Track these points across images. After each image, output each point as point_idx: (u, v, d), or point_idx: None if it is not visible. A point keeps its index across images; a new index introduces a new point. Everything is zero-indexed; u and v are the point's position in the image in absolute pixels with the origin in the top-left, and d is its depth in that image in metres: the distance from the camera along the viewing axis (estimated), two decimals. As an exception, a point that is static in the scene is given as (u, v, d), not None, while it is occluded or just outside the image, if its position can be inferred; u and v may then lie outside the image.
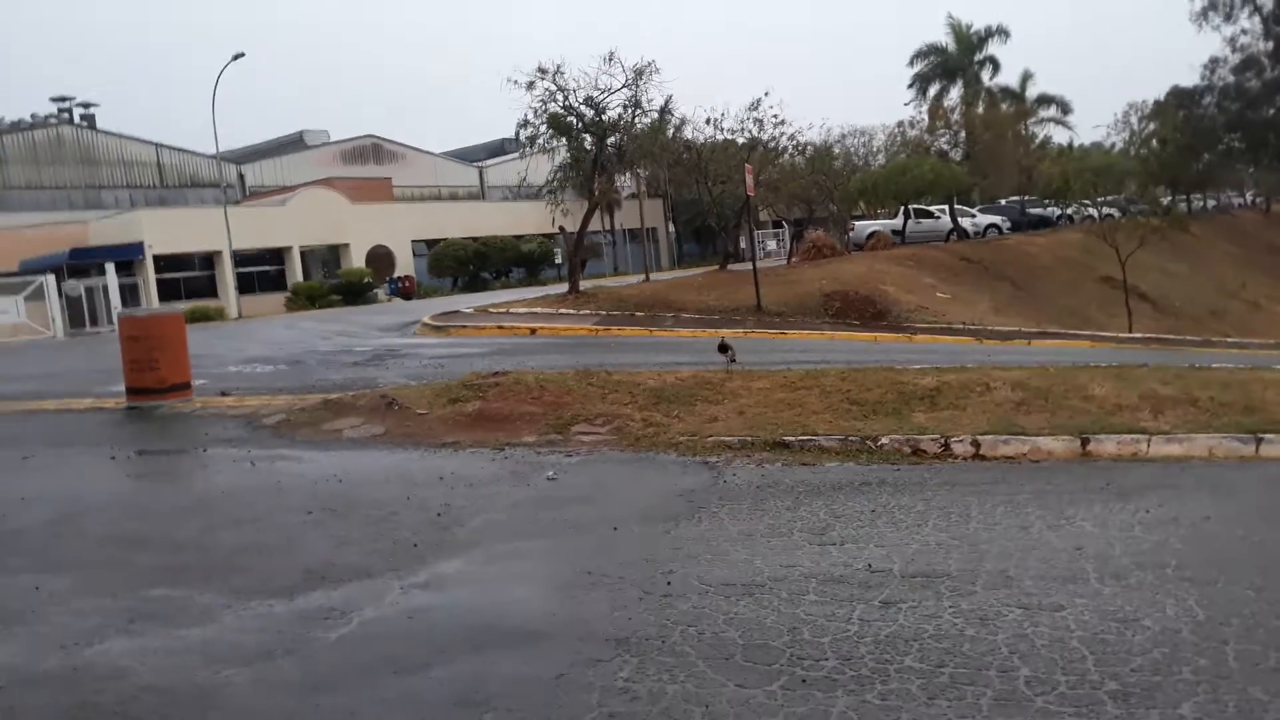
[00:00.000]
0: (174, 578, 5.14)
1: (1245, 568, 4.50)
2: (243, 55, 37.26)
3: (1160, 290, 32.52)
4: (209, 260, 40.33)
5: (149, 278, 37.87)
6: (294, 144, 58.17)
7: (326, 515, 6.20)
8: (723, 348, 10.74)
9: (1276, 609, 3.99)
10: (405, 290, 42.32)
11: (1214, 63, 49.08)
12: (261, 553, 5.54)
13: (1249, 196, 67.47)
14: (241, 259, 39.74)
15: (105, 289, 33.37)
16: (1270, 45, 47.83)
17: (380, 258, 44.93)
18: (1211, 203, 59.65)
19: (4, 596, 4.97)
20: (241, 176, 53.16)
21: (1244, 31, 48.13)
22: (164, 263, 38.65)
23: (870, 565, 4.75)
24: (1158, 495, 5.86)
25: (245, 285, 40.15)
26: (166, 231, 38.61)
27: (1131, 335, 23.51)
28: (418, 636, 4.18)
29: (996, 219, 41.39)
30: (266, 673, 3.87)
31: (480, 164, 61.52)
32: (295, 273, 42.35)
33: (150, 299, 36.92)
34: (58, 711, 3.62)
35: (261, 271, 42.09)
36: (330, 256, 44.87)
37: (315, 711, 3.52)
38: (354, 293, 39.62)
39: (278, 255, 42.72)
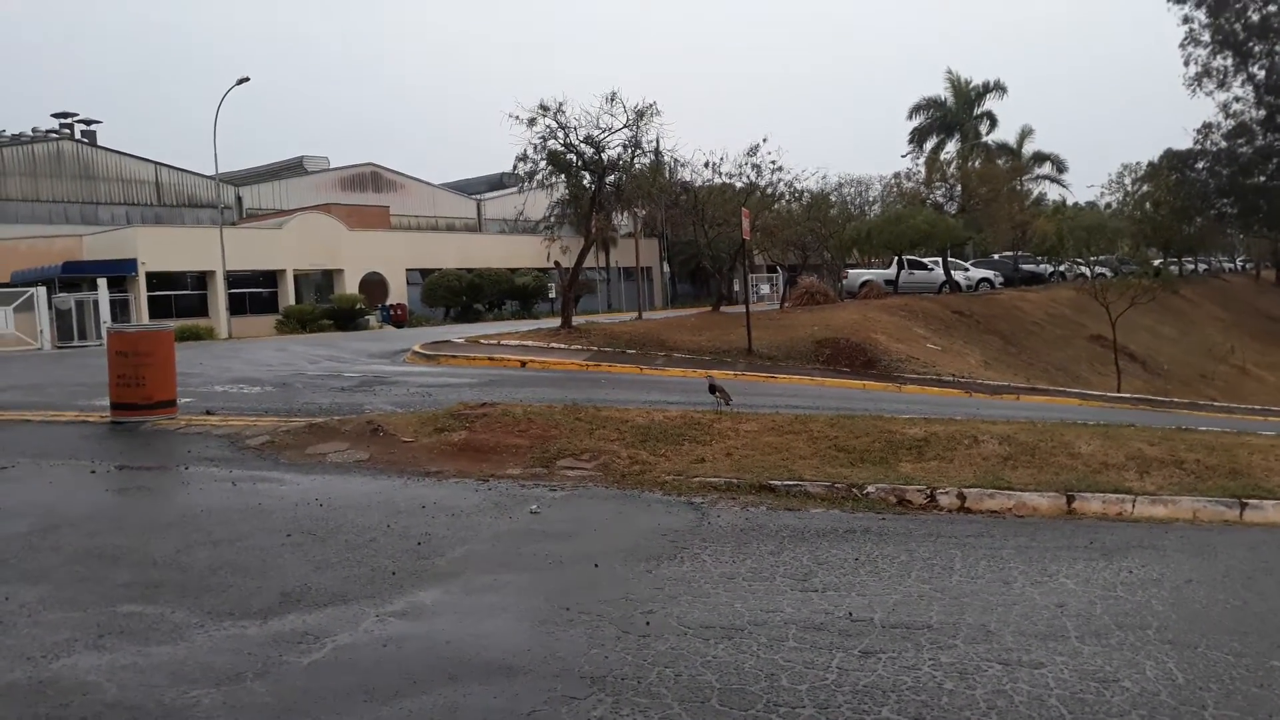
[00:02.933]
0: (147, 595, 5.08)
1: (1226, 632, 4.49)
2: (247, 80, 37.55)
3: (1149, 351, 32.73)
4: (202, 280, 40.32)
5: (141, 294, 37.79)
6: (293, 169, 58.45)
7: (306, 539, 6.14)
8: (712, 388, 10.73)
9: (1256, 675, 3.97)
10: (397, 318, 42.33)
11: (1207, 128, 49.83)
12: (238, 573, 5.47)
13: (1239, 261, 68.24)
14: (235, 280, 39.75)
15: (96, 304, 33.25)
16: (1263, 113, 48.58)
17: (374, 285, 44.98)
18: (1203, 266, 60.26)
19: (-27, 607, 4.89)
20: (239, 198, 53.30)
21: (1237, 99, 48.95)
22: (157, 280, 38.63)
23: (851, 614, 4.71)
24: (1141, 556, 5.85)
25: (237, 306, 40.14)
26: (161, 249, 38.64)
27: (1120, 394, 23.61)
28: (391, 665, 4.12)
29: (989, 273, 41.70)
30: (236, 695, 3.81)
31: (479, 196, 61.85)
32: (288, 296, 42.34)
33: (141, 315, 36.83)
34: (20, 727, 3.56)
35: (254, 293, 42.08)
36: (324, 281, 44.90)
37: (283, 738, 3.46)
38: (346, 318, 39.61)
39: (271, 278, 42.73)
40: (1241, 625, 4.61)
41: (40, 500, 7.43)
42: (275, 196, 53.95)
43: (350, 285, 43.87)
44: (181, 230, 44.15)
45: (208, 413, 11.49)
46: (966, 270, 41.73)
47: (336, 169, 57.84)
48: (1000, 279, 41.66)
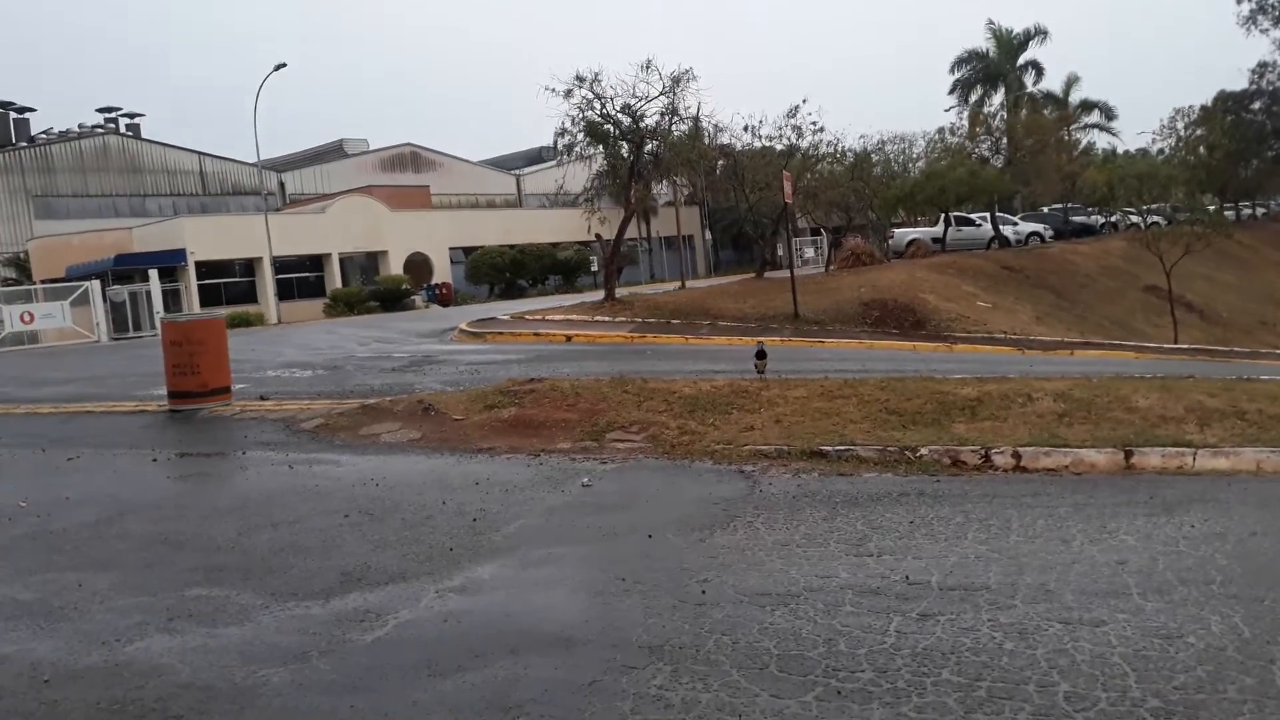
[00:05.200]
0: (213, 578, 5.20)
1: (1294, 584, 4.40)
2: (284, 66, 37.84)
3: (1207, 300, 31.98)
4: (249, 266, 40.91)
5: (191, 284, 38.47)
6: (334, 152, 58.96)
7: (364, 519, 6.25)
8: (761, 354, 10.68)
9: (1327, 627, 3.89)
10: (442, 297, 42.65)
11: (1262, 67, 48.32)
12: (299, 554, 5.58)
13: (1299, 205, 66.24)
14: (281, 265, 40.28)
15: (148, 294, 33.99)
16: (1321, 50, 46.95)
17: (418, 265, 45.32)
18: (1260, 210, 58.56)
19: (49, 593, 5.05)
20: (282, 184, 53.90)
21: (1293, 35, 47.30)
22: (206, 269, 39.26)
23: (908, 577, 4.69)
24: (1203, 510, 5.74)
25: (285, 291, 40.69)
26: (208, 238, 39.26)
27: (1177, 345, 23.12)
28: (452, 640, 4.19)
29: (1039, 227, 40.92)
30: (303, 673, 3.90)
31: (518, 172, 61.95)
32: (334, 279, 42.82)
33: (192, 304, 37.53)
34: (99, 706, 3.67)
35: (301, 278, 42.61)
36: (369, 263, 45.33)
37: (351, 712, 3.54)
38: (392, 299, 39.98)
39: (317, 262, 43.22)
40: (1310, 577, 4.51)
41: (106, 489, 7.62)
42: (317, 181, 54.49)
43: (395, 266, 44.25)
44: (228, 219, 44.80)
45: (262, 398, 11.69)
46: (1015, 224, 40.99)
47: (376, 150, 58.25)
48: (1050, 232, 40.88)
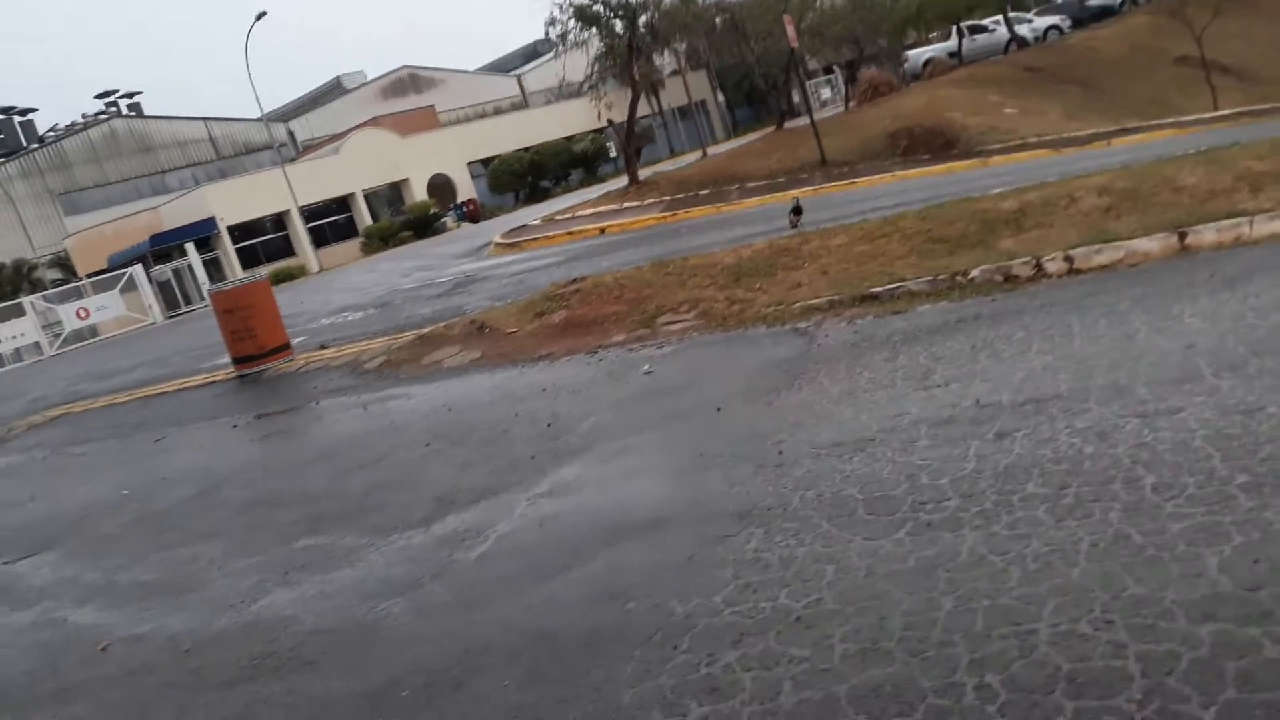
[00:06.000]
0: (316, 527, 5.43)
1: (1368, 335, 4.35)
2: (265, 14, 37.19)
3: (1243, 61, 30.57)
4: (280, 221, 41.13)
5: (228, 249, 38.88)
6: (333, 90, 58.32)
7: (444, 444, 6.44)
8: (797, 209, 10.56)
9: (1406, 371, 3.87)
10: (471, 214, 42.58)
11: None
12: (391, 490, 5.80)
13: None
14: (310, 214, 40.46)
15: (190, 269, 34.49)
16: None
17: (440, 186, 45.17)
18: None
19: (168, 570, 5.34)
20: (291, 133, 53.65)
21: None
22: (238, 232, 39.58)
23: (978, 401, 4.74)
24: (1268, 278, 5.65)
25: (319, 238, 40.96)
26: (234, 202, 39.44)
27: (1219, 114, 22.28)
28: (551, 543, 4.36)
29: (1055, 19, 39.11)
30: (420, 599, 4.11)
31: (518, 72, 60.76)
32: (363, 217, 42.93)
33: (233, 269, 37.99)
34: (239, 665, 3.92)
35: (331, 222, 42.80)
36: (393, 194, 45.29)
37: (472, 626, 3.74)
38: (423, 225, 40.04)
39: (343, 203, 43.31)
40: (1384, 325, 4.47)
41: (196, 463, 7.92)
42: (324, 122, 54.10)
43: (418, 193, 44.16)
44: (248, 178, 44.85)
45: (321, 347, 11.93)
46: (1030, 21, 39.22)
47: (374, 80, 57.48)
48: (1068, 22, 39.04)
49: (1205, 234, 6.90)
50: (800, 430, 4.99)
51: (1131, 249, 6.98)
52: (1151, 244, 6.97)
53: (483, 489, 5.34)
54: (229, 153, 52.66)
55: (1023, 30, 37.30)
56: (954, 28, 37.28)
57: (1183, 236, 6.93)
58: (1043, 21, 39.06)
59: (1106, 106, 25.77)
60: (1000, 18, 37.33)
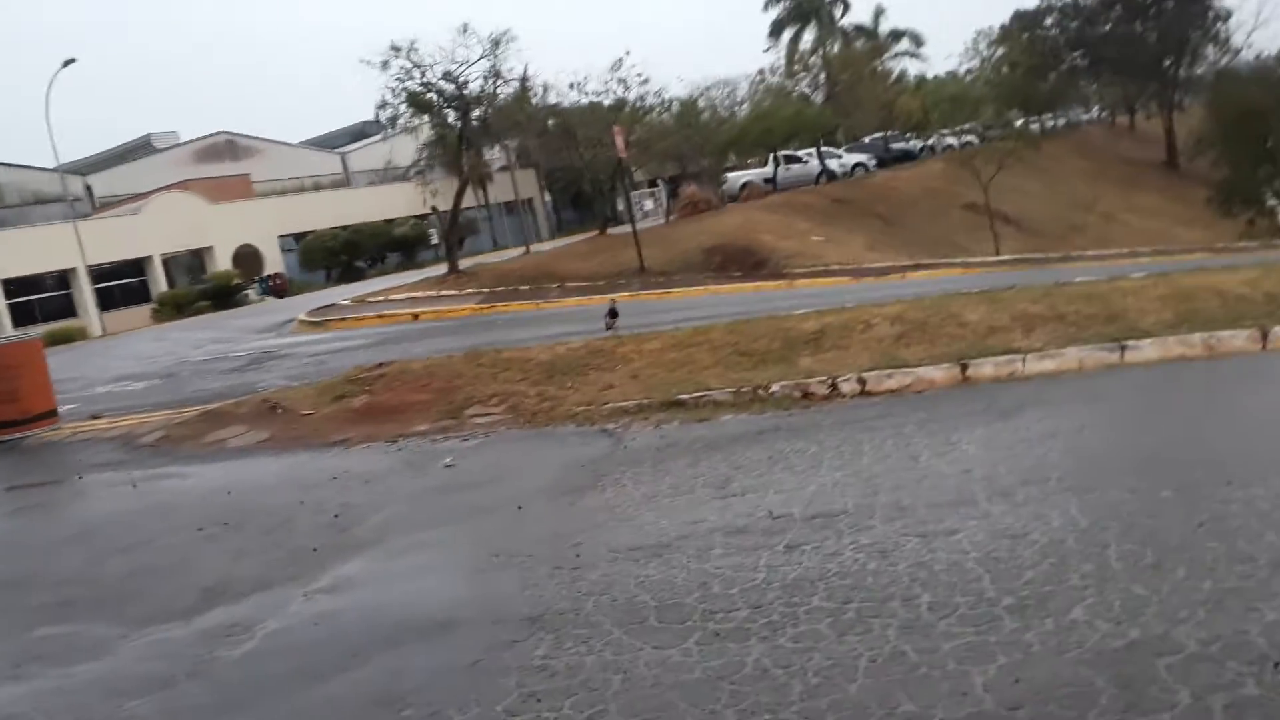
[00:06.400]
0: (62, 614, 4.91)
1: (1120, 472, 4.74)
2: (74, 61, 35.32)
3: (1021, 211, 33.84)
4: (64, 279, 38.26)
5: (-1, 304, 35.76)
6: (142, 148, 55.41)
7: (219, 529, 6.00)
8: (613, 313, 10.73)
9: (1149, 508, 4.22)
10: (277, 288, 41.04)
11: (1052, -17, 51.10)
12: (154, 576, 5.33)
13: (1095, 111, 70.57)
14: (99, 274, 37.91)
15: (-48, 321, 31.44)
16: (1102, -38, 50.05)
17: (247, 257, 43.43)
18: (1062, 121, 62.09)
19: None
20: (89, 188, 50.40)
21: (1075, -52, 50.25)
22: (14, 286, 36.54)
23: (772, 512, 4.83)
24: (1036, 411, 6.12)
25: (106, 301, 38.35)
26: (13, 254, 36.40)
27: (999, 258, 24.43)
28: (327, 642, 4.09)
29: (863, 157, 42.19)
30: (171, 700, 3.74)
31: (342, 150, 59.70)
32: (159, 282, 40.60)
33: (2, 326, 34.91)
34: (-52, 774, 3.43)
35: (123, 285, 40.20)
36: (194, 262, 43.13)
37: (227, 734, 3.42)
38: (224, 296, 38.22)
39: (138, 266, 40.85)
40: (1133, 463, 4.89)
41: (-72, 537, 7.06)
42: (128, 180, 51.11)
43: (223, 261, 42.24)
44: (32, 230, 41.53)
45: (94, 416, 11.03)
46: (840, 157, 42.14)
47: (188, 142, 54.99)
48: (874, 161, 42.22)
49: (985, 367, 7.43)
50: (600, 532, 4.94)
51: (919, 376, 7.43)
52: (937, 372, 7.44)
53: (256, 580, 4.98)
54: (15, 201, 48.88)
55: (833, 164, 39.99)
56: (771, 155, 39.57)
57: (965, 368, 7.44)
58: (851, 158, 42.03)
59: (903, 242, 27.80)
60: (814, 150, 39.92)
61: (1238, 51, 49.66)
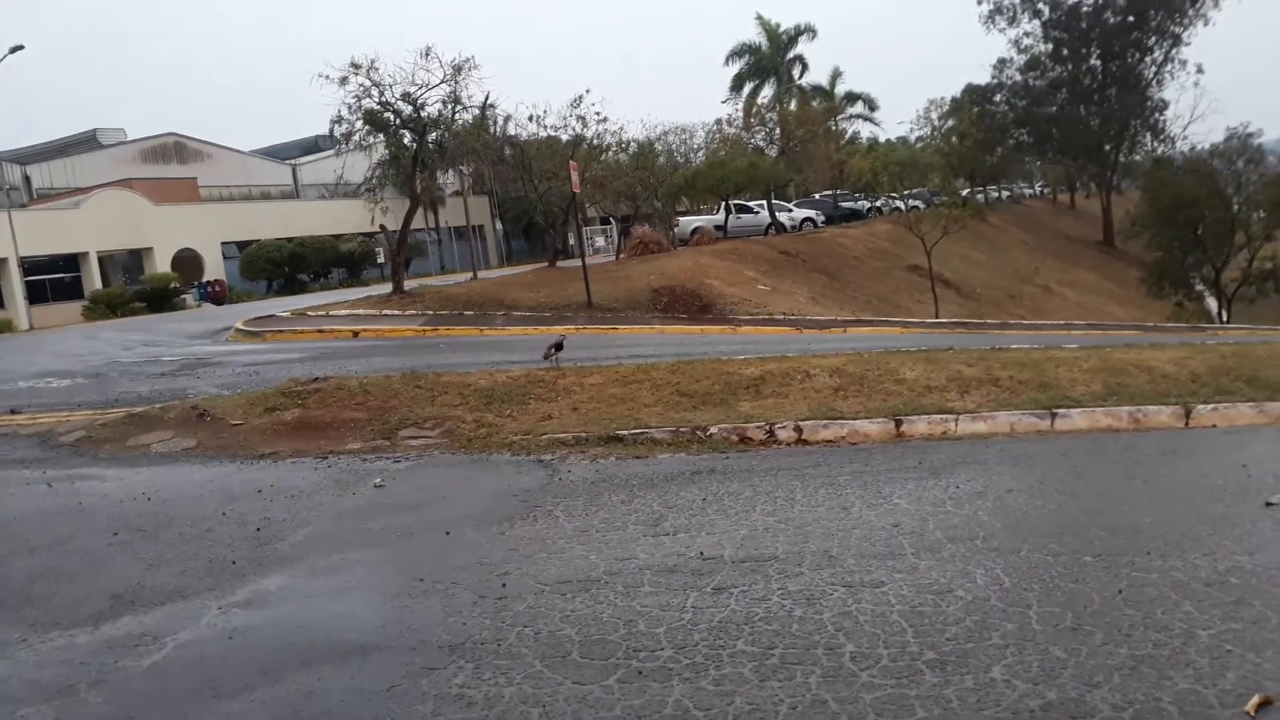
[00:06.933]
0: (-42, 615, 4.70)
1: (1045, 535, 4.83)
2: (22, 48, 34.50)
3: (962, 277, 34.61)
4: (-8, 269, 37.14)
5: (-81, 289, 34.55)
6: (86, 143, 54.25)
7: (135, 536, 5.81)
8: (558, 345, 10.70)
9: (1072, 572, 4.30)
10: (216, 295, 40.26)
11: (1002, 63, 52.95)
12: (62, 580, 5.13)
13: (1038, 187, 72.81)
14: (31, 267, 36.80)
15: None
16: (1050, 47, 51.89)
17: (187, 261, 42.58)
18: (1006, 193, 63.90)
19: None
20: (27, 178, 49.17)
21: (1026, 34, 52.16)
22: (-62, 272, 35.34)
23: (702, 553, 4.83)
24: (966, 471, 6.22)
25: (37, 295, 37.25)
26: (-62, 238, 35.29)
27: (938, 320, 24.92)
28: (239, 657, 3.97)
29: (812, 213, 42.94)
30: (69, 709, 3.59)
31: (294, 162, 59.06)
32: (93, 280, 39.56)
33: (-76, 312, 33.70)
34: None
35: (55, 279, 39.10)
36: (132, 262, 42.18)
37: (126, 747, 3.29)
38: (160, 299, 37.41)
39: (72, 261, 39.79)
40: (1058, 528, 4.98)
41: None
42: (69, 174, 50.01)
43: (161, 264, 41.35)
44: (-38, 216, 40.48)
45: (12, 411, 10.67)
46: (790, 211, 42.85)
47: (135, 140, 54.01)
48: (822, 217, 43.01)
49: (919, 424, 7.54)
50: (529, 563, 4.89)
51: (854, 428, 7.52)
52: (872, 426, 7.53)
53: (170, 590, 4.83)
54: (-53, 185, 47.46)
55: (783, 217, 40.62)
56: (723, 203, 40.06)
57: (899, 424, 7.55)
58: (800, 213, 42.75)
59: (846, 297, 28.22)
60: (765, 202, 40.51)
61: (1174, 142, 51.69)
